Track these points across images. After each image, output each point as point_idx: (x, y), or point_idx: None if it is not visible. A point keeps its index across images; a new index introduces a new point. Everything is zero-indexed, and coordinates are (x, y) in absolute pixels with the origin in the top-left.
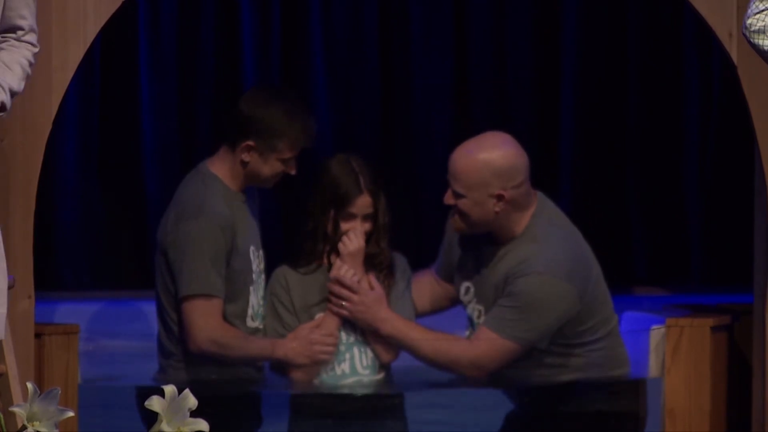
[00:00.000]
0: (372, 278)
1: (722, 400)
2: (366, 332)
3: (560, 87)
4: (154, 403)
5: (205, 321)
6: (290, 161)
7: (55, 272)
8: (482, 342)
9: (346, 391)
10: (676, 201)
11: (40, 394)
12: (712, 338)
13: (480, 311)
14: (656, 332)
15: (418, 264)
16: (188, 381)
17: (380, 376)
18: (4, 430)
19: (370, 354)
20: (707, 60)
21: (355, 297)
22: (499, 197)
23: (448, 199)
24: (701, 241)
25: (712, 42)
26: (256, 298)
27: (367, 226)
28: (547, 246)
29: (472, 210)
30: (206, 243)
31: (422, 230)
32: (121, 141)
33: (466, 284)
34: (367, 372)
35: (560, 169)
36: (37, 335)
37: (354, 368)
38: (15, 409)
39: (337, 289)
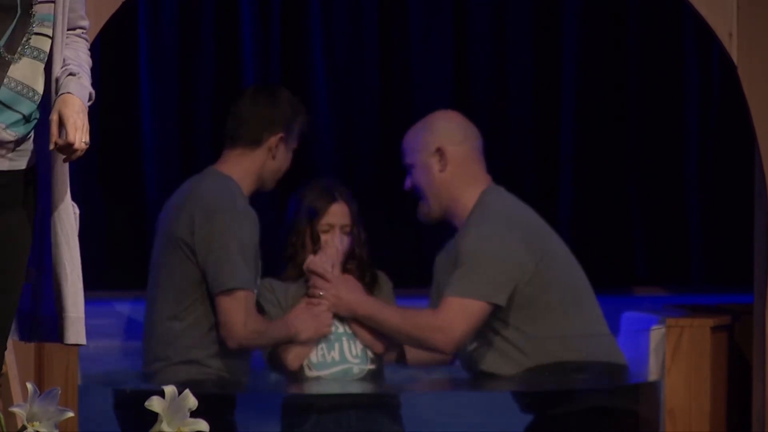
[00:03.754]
0: (349, 276)
1: (722, 400)
2: (353, 325)
3: (560, 87)
4: (154, 403)
5: (246, 316)
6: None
7: None
8: (444, 307)
9: (338, 390)
10: (676, 201)
11: (40, 394)
12: (712, 338)
13: None
14: (656, 332)
15: (419, 262)
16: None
17: (372, 366)
18: (4, 430)
19: (360, 345)
20: (707, 60)
21: (328, 285)
22: (439, 152)
23: (407, 183)
24: (701, 241)
25: (712, 42)
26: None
27: (347, 241)
28: (488, 206)
29: (421, 179)
30: (244, 236)
31: (423, 231)
32: (121, 141)
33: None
34: (357, 361)
35: (560, 169)
36: None
37: (344, 356)
38: (15, 409)
39: (312, 279)
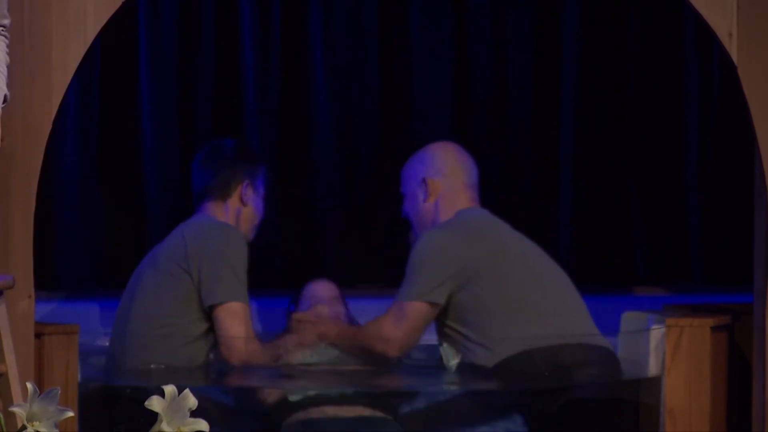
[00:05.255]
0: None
1: (722, 400)
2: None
3: (560, 87)
4: (154, 403)
5: (246, 329)
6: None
7: (55, 272)
8: (385, 314)
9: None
10: (676, 201)
11: (40, 394)
12: (712, 338)
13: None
14: (656, 332)
15: None
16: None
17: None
18: (4, 430)
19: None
20: (707, 60)
21: (309, 323)
22: (424, 182)
23: (403, 210)
24: (701, 241)
25: (712, 42)
26: None
27: (336, 309)
28: (449, 220)
29: (409, 207)
30: (242, 254)
31: None
32: (121, 141)
33: None
34: (338, 352)
35: (560, 169)
36: (37, 335)
37: (325, 353)
38: (15, 409)
39: (293, 323)
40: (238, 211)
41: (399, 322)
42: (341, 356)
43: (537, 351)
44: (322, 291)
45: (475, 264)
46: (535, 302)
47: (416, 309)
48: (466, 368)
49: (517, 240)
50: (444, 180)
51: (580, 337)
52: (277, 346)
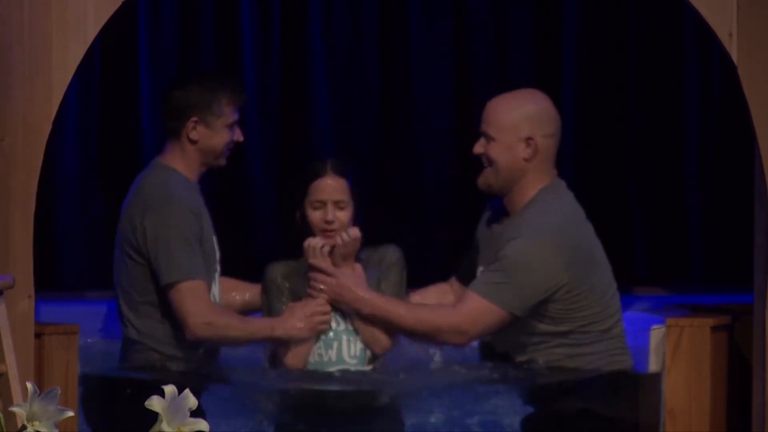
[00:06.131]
0: (356, 265)
1: (722, 400)
2: (355, 321)
3: (560, 87)
4: (154, 403)
5: (196, 306)
6: (234, 126)
7: (55, 272)
8: (464, 305)
9: (334, 386)
10: (676, 201)
11: (40, 394)
12: (712, 338)
13: None
14: (656, 332)
15: (420, 262)
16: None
17: (369, 368)
18: (4, 430)
19: (359, 344)
20: (707, 60)
21: (330, 279)
22: (529, 141)
23: (478, 147)
24: (701, 241)
25: (712, 42)
26: (217, 288)
27: (344, 215)
28: (543, 214)
29: (501, 155)
30: (181, 227)
31: (424, 230)
32: (121, 141)
33: (480, 269)
34: (354, 362)
35: (560, 169)
36: (37, 335)
37: (341, 356)
38: (15, 409)
39: (312, 273)
40: (191, 150)
41: (481, 321)
42: (354, 335)
43: (559, 369)
44: (330, 193)
45: (563, 289)
46: (586, 332)
47: (501, 316)
48: (492, 345)
49: (596, 248)
50: (548, 141)
51: (606, 363)
52: (270, 326)
